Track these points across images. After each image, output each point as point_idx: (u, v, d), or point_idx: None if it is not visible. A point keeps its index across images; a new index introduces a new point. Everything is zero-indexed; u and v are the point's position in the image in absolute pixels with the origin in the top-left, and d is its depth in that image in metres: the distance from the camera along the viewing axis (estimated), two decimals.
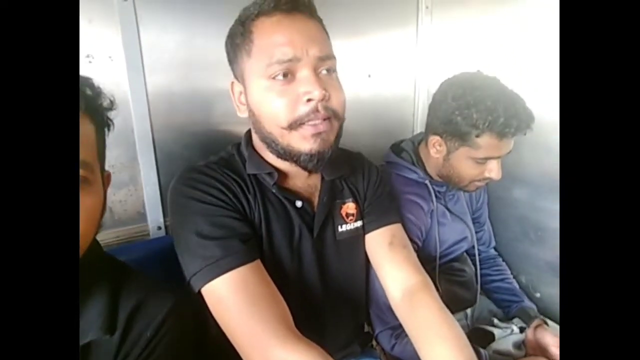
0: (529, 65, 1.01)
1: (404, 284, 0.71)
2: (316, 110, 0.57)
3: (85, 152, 0.43)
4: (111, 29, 0.74)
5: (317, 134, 0.59)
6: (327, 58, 0.59)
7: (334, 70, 0.62)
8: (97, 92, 0.46)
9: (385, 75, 1.16)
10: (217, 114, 0.89)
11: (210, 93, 0.87)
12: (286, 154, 0.62)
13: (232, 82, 0.66)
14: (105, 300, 0.48)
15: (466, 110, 0.79)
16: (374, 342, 0.89)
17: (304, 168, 0.63)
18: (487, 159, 0.82)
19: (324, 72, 0.60)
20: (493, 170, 0.83)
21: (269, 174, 0.66)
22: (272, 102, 0.59)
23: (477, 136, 0.79)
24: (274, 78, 0.58)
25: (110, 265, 0.53)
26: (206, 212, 0.60)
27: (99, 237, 0.57)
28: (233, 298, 0.56)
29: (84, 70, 0.72)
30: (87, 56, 0.73)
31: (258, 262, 0.61)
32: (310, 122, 0.58)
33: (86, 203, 0.43)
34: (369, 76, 1.13)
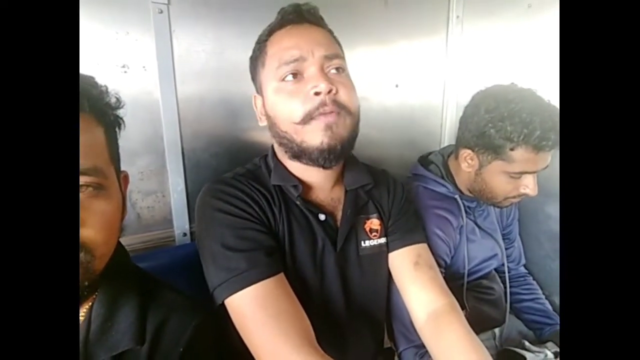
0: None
1: (430, 306, 0.69)
2: (324, 103, 0.59)
3: (96, 157, 0.42)
4: (146, 40, 0.76)
5: (327, 127, 0.60)
6: (334, 57, 0.62)
7: (343, 70, 0.64)
8: (102, 91, 0.45)
9: (413, 86, 1.15)
10: (244, 123, 0.89)
11: (239, 103, 0.88)
12: (301, 152, 0.62)
13: (254, 96, 0.69)
14: (135, 312, 0.48)
15: (500, 122, 0.76)
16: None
17: (318, 164, 0.63)
18: (522, 173, 0.79)
19: (333, 70, 0.62)
20: (529, 186, 0.80)
21: (294, 186, 0.66)
22: (284, 101, 0.61)
23: (512, 149, 0.76)
24: (284, 79, 0.61)
25: (138, 277, 0.53)
26: (232, 224, 0.61)
27: (126, 242, 0.58)
28: (256, 311, 0.56)
29: (119, 79, 0.75)
30: (123, 66, 0.75)
31: (282, 275, 0.61)
32: (321, 116, 0.59)
33: (103, 209, 0.42)
34: (397, 86, 1.11)
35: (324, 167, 0.64)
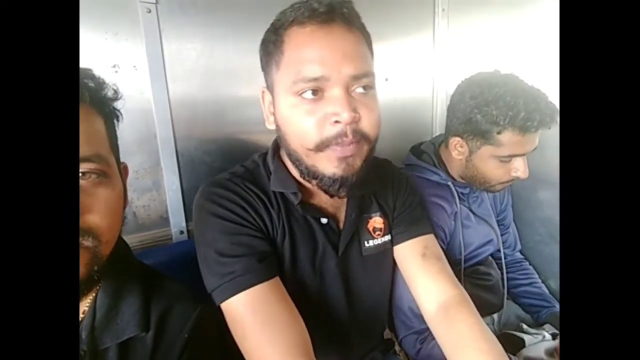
0: (546, 66, 0.99)
1: (439, 298, 0.67)
2: (344, 134, 0.53)
3: (98, 145, 0.43)
4: (136, 40, 0.77)
5: (342, 158, 0.55)
6: (363, 76, 0.53)
7: (372, 87, 0.56)
8: (100, 83, 0.46)
9: (402, 79, 1.16)
10: (237, 120, 0.90)
11: (230, 100, 0.89)
12: (309, 174, 0.58)
13: (263, 91, 0.62)
14: (139, 301, 0.49)
15: (485, 107, 0.78)
16: (397, 348, 0.87)
17: (326, 191, 0.60)
18: (511, 156, 0.80)
19: (360, 90, 0.54)
20: (520, 169, 0.81)
21: (294, 193, 0.63)
22: (298, 121, 0.54)
23: (499, 133, 0.78)
24: (301, 95, 0.54)
25: (140, 268, 0.54)
26: (226, 230, 0.59)
27: None
28: (247, 317, 0.55)
29: (110, 79, 0.75)
30: (114, 66, 0.76)
31: (276, 280, 0.59)
32: (337, 146, 0.54)
33: (107, 196, 0.43)
34: (387, 80, 1.13)
35: (331, 196, 0.61)
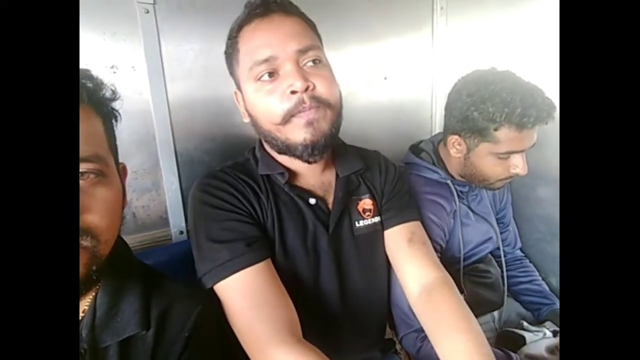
0: (546, 65, 0.99)
1: (422, 280, 0.70)
2: (302, 101, 0.59)
3: (97, 145, 0.44)
4: (134, 40, 0.77)
5: (308, 123, 0.60)
6: (308, 49, 0.60)
7: (320, 61, 0.62)
8: (98, 83, 0.46)
9: (401, 78, 1.16)
10: (235, 120, 0.90)
11: (229, 100, 0.87)
12: (285, 148, 0.63)
13: (235, 92, 0.69)
14: (139, 300, 0.49)
15: (482, 105, 0.78)
16: (397, 347, 0.87)
17: (303, 159, 0.64)
18: (509, 153, 0.80)
19: (309, 64, 0.61)
20: (518, 166, 0.81)
21: (281, 173, 0.67)
22: (263, 101, 0.61)
23: (496, 130, 0.78)
24: (260, 79, 0.60)
25: (139, 268, 0.55)
26: (216, 217, 0.62)
27: None
28: (238, 299, 0.59)
29: (108, 80, 0.75)
30: (112, 67, 0.76)
31: (265, 263, 0.62)
32: (300, 113, 0.59)
33: (105, 196, 0.43)
34: (385, 78, 1.13)
35: (309, 162, 0.65)
